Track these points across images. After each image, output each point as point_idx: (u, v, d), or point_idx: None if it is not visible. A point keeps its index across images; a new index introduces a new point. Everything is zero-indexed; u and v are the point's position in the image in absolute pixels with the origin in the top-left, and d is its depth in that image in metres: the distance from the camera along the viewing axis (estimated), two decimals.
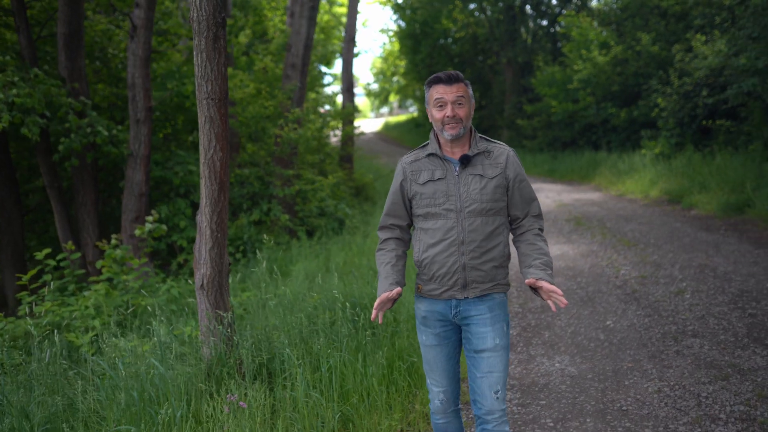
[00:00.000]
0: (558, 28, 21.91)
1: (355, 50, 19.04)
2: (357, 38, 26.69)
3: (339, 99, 17.41)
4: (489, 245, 2.60)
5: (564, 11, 21.52)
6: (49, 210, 8.49)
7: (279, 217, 8.85)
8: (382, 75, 36.38)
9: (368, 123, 39.31)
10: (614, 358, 4.53)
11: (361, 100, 43.16)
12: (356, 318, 4.34)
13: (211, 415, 3.33)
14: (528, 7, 22.82)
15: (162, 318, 4.39)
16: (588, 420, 3.66)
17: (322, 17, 19.91)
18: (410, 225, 2.78)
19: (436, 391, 2.77)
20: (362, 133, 15.05)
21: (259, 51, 14.33)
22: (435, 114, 2.61)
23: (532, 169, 16.87)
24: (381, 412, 3.58)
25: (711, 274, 6.28)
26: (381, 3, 27.34)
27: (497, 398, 2.59)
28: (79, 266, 7.13)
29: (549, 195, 12.64)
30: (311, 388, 3.56)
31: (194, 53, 3.56)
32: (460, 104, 2.58)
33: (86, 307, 5.06)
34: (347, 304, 4.33)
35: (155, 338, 3.96)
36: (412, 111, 37.10)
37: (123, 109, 9.01)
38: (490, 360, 2.60)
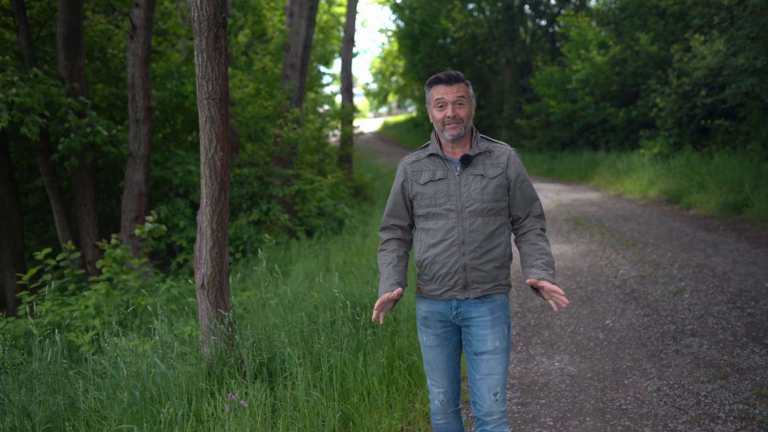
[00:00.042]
0: (557, 28, 21.92)
1: (354, 50, 19.04)
2: (356, 38, 26.67)
3: (338, 99, 17.39)
4: (490, 245, 2.60)
5: (563, 11, 21.53)
6: (49, 210, 8.49)
7: (278, 216, 8.86)
8: (380, 75, 36.38)
9: (367, 123, 39.31)
10: (613, 357, 4.55)
11: (360, 100, 43.14)
12: (357, 317, 4.35)
13: (212, 414, 3.34)
14: (527, 7, 22.83)
15: (163, 317, 4.39)
16: (587, 419, 3.67)
17: (321, 17, 19.91)
18: (412, 225, 2.78)
19: (436, 391, 2.77)
20: (361, 133, 15.04)
21: (258, 51, 14.34)
22: (436, 114, 2.61)
23: (531, 169, 16.87)
24: (381, 411, 3.59)
25: (710, 274, 6.30)
26: (380, 3, 27.34)
27: (496, 400, 2.60)
28: (79, 266, 7.14)
29: (548, 195, 12.65)
30: (312, 387, 3.57)
31: (195, 53, 3.57)
32: (460, 104, 2.58)
33: (86, 307, 5.07)
34: (348, 303, 4.33)
35: (156, 337, 3.97)
36: (411, 111, 37.10)
37: (122, 109, 9.01)
38: (489, 362, 2.60)
